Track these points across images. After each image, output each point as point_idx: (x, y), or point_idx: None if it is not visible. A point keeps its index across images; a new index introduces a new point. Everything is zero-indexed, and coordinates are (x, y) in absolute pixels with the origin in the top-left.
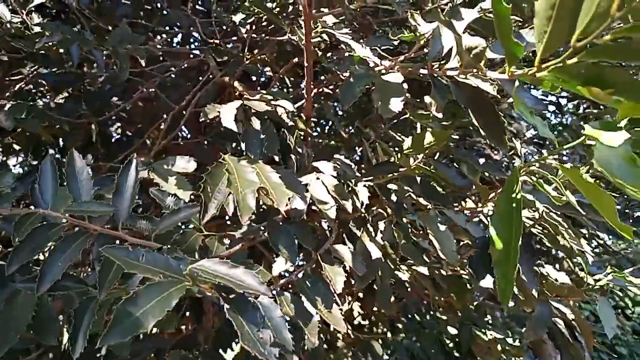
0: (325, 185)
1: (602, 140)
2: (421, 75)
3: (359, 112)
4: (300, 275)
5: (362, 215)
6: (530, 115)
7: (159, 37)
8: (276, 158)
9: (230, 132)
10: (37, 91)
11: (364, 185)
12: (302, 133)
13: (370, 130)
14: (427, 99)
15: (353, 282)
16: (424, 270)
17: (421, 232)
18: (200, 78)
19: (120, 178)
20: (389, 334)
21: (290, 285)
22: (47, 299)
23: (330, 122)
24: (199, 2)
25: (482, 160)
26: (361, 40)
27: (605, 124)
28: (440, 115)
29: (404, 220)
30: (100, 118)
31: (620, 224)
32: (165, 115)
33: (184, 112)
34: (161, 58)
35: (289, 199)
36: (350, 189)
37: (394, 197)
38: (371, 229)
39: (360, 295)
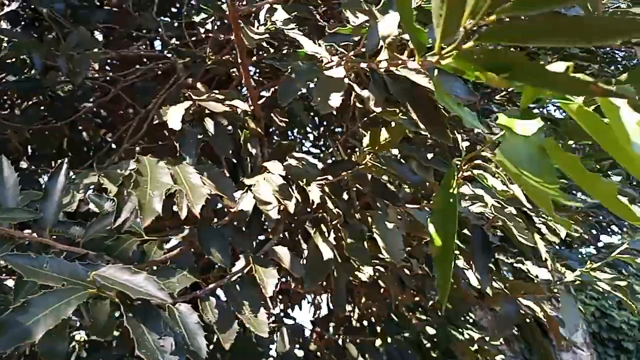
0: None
1: (515, 128)
2: (362, 69)
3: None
4: (233, 278)
5: (316, 215)
6: (456, 106)
7: (140, 41)
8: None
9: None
10: (4, 99)
11: (318, 185)
12: (254, 132)
13: (344, 129)
14: (366, 92)
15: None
16: (369, 270)
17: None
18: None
19: (49, 183)
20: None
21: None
22: None
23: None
24: (170, 3)
25: (430, 155)
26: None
27: (522, 112)
28: (378, 110)
29: (357, 218)
30: (65, 121)
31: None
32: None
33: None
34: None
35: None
36: (302, 188)
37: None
38: (325, 229)
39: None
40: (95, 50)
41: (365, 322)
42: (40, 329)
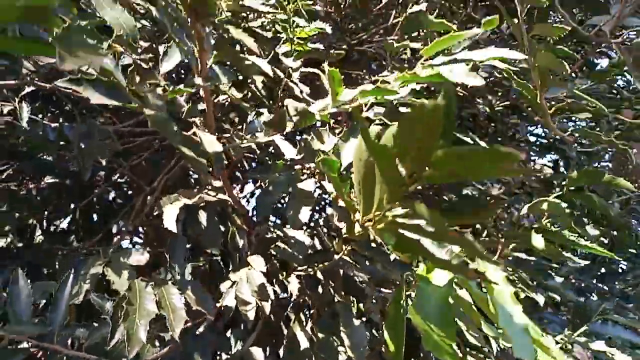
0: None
1: (432, 279)
2: None
3: None
4: None
5: (295, 303)
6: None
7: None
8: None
9: None
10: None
11: (297, 276)
12: (239, 227)
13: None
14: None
15: None
16: None
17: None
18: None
19: (57, 293)
20: None
21: None
22: None
23: None
24: None
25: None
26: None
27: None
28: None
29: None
30: (80, 204)
31: None
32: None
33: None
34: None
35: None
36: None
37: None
38: (303, 317)
39: None
40: (102, 141)
41: None
42: None
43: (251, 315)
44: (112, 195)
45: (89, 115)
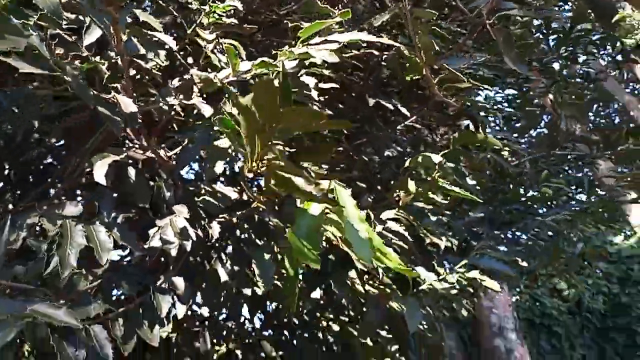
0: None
1: (309, 209)
2: None
3: None
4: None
5: (216, 245)
6: None
7: None
8: None
9: None
10: None
11: (218, 222)
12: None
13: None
14: None
15: None
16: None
17: None
18: None
19: None
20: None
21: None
22: None
23: None
24: None
25: None
26: None
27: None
28: None
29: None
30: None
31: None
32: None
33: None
34: None
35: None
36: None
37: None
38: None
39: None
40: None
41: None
42: None
43: (174, 252)
44: (49, 158)
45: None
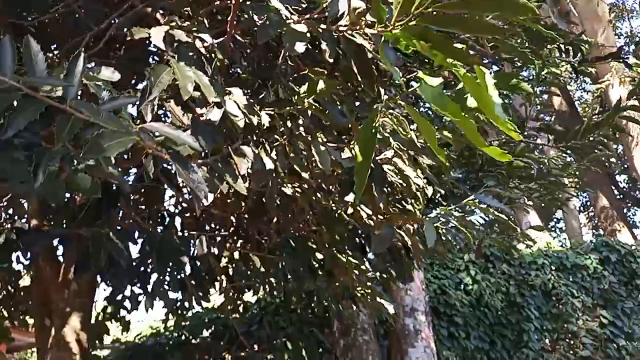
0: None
1: (427, 80)
2: (320, 30)
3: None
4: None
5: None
6: (389, 65)
7: None
8: None
9: (143, 56)
10: None
11: (266, 113)
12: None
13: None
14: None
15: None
16: (306, 175)
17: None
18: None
19: (70, 65)
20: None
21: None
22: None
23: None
24: None
25: (357, 103)
26: None
27: (431, 72)
28: (331, 60)
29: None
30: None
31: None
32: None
33: (106, 33)
34: None
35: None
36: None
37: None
38: (269, 148)
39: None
40: None
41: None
42: (113, 150)
43: (241, 124)
44: None
45: None
